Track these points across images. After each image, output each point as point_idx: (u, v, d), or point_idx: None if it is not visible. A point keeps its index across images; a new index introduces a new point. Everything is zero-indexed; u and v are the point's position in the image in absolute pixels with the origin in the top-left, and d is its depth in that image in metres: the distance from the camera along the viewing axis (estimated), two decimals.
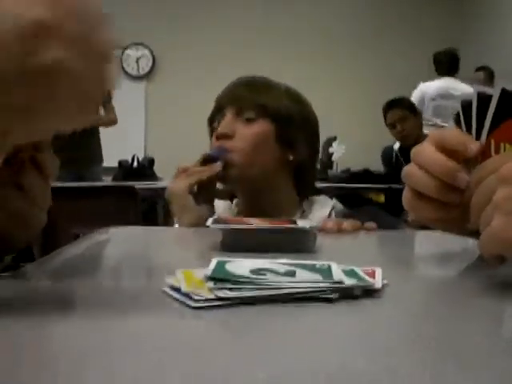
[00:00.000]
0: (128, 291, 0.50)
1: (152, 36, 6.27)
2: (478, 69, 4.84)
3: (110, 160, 4.06)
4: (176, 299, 0.40)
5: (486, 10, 5.75)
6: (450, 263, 0.62)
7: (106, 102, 3.92)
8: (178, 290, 0.41)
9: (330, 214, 1.09)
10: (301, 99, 1.17)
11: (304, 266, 0.46)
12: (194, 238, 0.84)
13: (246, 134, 1.08)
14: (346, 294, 0.41)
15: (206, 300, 0.39)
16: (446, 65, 4.52)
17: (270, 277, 0.43)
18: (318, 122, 1.18)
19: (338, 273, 0.44)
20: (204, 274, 0.42)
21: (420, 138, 3.71)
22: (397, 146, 3.98)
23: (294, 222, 0.68)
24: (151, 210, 3.58)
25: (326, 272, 0.44)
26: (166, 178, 4.21)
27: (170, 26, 6.21)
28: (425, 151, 0.54)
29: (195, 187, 1.06)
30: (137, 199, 3.31)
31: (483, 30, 5.71)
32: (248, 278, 0.42)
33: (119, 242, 0.81)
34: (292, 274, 0.44)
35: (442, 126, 3.91)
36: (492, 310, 0.42)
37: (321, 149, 2.42)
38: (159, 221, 3.30)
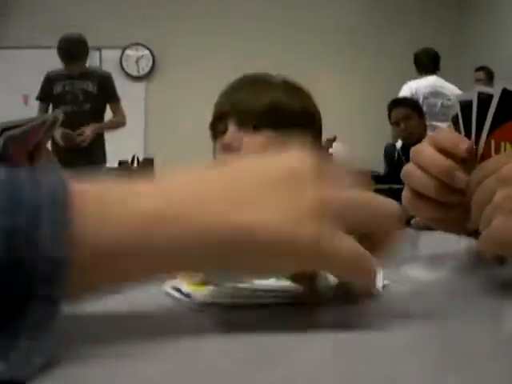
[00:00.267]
0: (128, 291, 0.50)
1: (152, 36, 6.27)
2: (478, 69, 4.86)
3: (110, 160, 4.06)
4: (177, 299, 0.40)
5: (485, 10, 5.76)
6: (450, 264, 0.62)
7: (115, 103, 3.93)
8: (178, 290, 0.41)
9: None
10: (303, 94, 1.16)
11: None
12: None
13: (252, 145, 1.08)
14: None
15: (206, 301, 0.39)
16: (428, 63, 4.55)
17: (271, 282, 0.42)
18: (320, 115, 1.17)
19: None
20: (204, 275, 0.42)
21: (423, 137, 3.69)
22: (399, 144, 3.98)
23: None
24: None
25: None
26: None
27: (170, 26, 6.22)
28: (424, 151, 0.54)
29: None
30: None
31: (483, 29, 5.71)
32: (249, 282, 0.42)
33: None
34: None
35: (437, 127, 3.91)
36: (493, 310, 0.41)
37: None
38: None
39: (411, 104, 3.85)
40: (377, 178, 3.98)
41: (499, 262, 0.47)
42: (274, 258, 0.33)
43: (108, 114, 3.97)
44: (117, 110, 3.94)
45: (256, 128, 1.09)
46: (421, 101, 4.32)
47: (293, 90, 1.16)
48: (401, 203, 0.59)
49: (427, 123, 3.94)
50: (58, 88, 3.82)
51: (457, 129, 0.56)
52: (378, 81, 5.92)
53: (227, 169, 0.36)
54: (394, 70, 4.99)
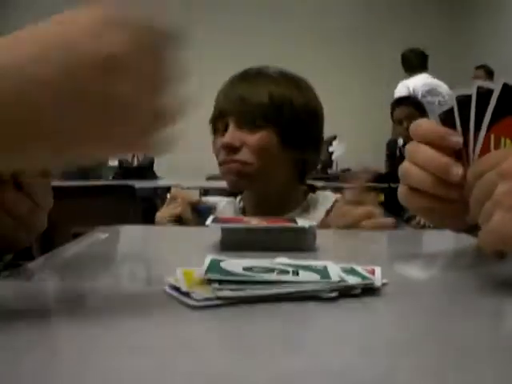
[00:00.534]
0: (128, 290, 0.50)
1: None
2: (478, 67, 4.87)
3: (109, 159, 4.05)
4: (176, 298, 0.40)
5: (484, 11, 5.75)
6: (449, 262, 0.62)
7: None
8: (177, 289, 0.41)
9: (330, 209, 1.09)
10: (305, 88, 1.14)
11: (303, 267, 0.46)
12: (194, 237, 0.84)
13: (253, 144, 1.07)
14: (346, 293, 0.41)
15: (206, 299, 0.39)
16: (417, 63, 4.58)
17: (270, 276, 0.42)
18: (322, 110, 1.16)
19: (335, 272, 0.44)
20: (202, 273, 0.42)
21: None
22: (401, 141, 3.97)
23: (294, 221, 0.68)
24: (151, 209, 3.57)
25: (324, 272, 0.44)
26: (166, 178, 4.21)
27: (169, 22, 6.20)
28: (419, 149, 0.55)
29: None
30: (136, 198, 3.30)
31: (481, 31, 5.71)
32: (247, 275, 0.42)
33: (118, 240, 0.81)
34: (295, 273, 0.44)
35: None
36: (492, 308, 0.42)
37: None
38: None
39: (414, 103, 3.84)
40: (377, 177, 3.98)
41: (499, 256, 0.47)
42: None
43: None
44: None
45: (257, 126, 1.08)
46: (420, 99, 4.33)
47: (294, 83, 1.13)
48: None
49: None
50: None
51: (445, 124, 0.56)
52: (377, 80, 5.92)
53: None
54: (393, 69, 4.99)
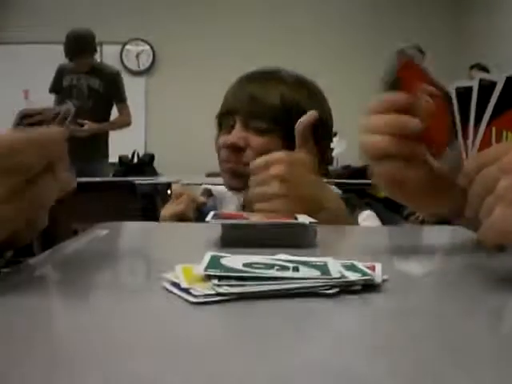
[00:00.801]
0: (128, 287, 0.50)
1: (152, 31, 6.26)
2: (472, 66, 4.87)
3: (110, 155, 4.06)
4: (175, 295, 0.40)
5: (484, 11, 5.74)
6: (449, 257, 0.62)
7: (121, 102, 3.91)
8: (177, 285, 0.41)
9: None
10: (316, 94, 1.11)
11: (303, 263, 0.46)
12: (194, 233, 0.83)
13: (260, 147, 1.04)
14: (347, 289, 0.41)
15: (206, 295, 0.39)
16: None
17: (270, 272, 0.42)
18: (332, 118, 1.13)
19: (336, 268, 0.44)
20: (202, 269, 0.42)
21: None
22: None
23: (295, 217, 0.68)
24: (151, 205, 3.58)
25: (324, 268, 0.44)
26: (166, 174, 4.21)
27: (170, 21, 6.20)
28: (372, 117, 0.55)
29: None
30: (136, 195, 3.30)
31: (482, 30, 5.70)
32: (247, 272, 0.42)
33: (119, 237, 0.81)
34: (295, 269, 0.44)
35: None
36: (493, 304, 0.41)
37: None
38: (159, 216, 3.29)
39: None
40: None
41: (499, 250, 0.47)
42: None
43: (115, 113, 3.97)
44: (122, 110, 3.93)
45: (265, 129, 1.04)
46: None
47: (306, 88, 1.09)
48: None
49: None
50: (66, 81, 3.81)
51: (386, 89, 0.57)
52: (377, 78, 5.90)
53: None
54: None
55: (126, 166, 3.93)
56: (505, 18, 5.28)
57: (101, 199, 3.00)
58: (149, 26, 6.23)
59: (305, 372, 0.28)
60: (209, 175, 3.96)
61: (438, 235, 0.78)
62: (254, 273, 0.42)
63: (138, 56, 6.46)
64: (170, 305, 0.39)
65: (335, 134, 4.31)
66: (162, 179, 4.00)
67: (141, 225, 0.96)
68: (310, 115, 0.93)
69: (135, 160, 4.07)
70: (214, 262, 0.44)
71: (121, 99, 3.91)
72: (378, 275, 0.44)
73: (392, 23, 6.21)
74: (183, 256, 0.46)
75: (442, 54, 5.83)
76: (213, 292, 0.39)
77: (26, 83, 5.88)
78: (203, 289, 0.39)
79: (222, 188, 1.17)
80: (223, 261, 0.45)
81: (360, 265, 0.45)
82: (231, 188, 1.10)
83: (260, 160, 0.89)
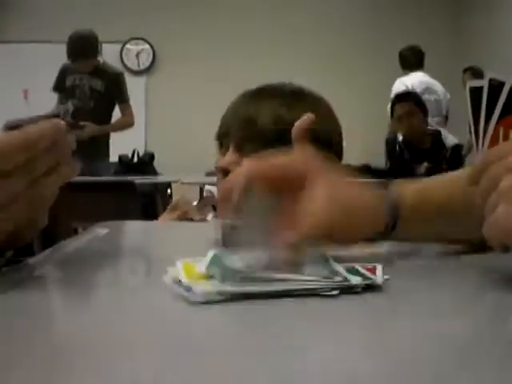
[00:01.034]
0: (128, 285, 0.50)
1: (152, 31, 6.26)
2: (465, 70, 4.88)
3: (110, 155, 4.05)
4: (176, 293, 0.40)
5: (484, 12, 5.74)
6: (451, 259, 0.62)
7: (123, 103, 3.91)
8: (178, 283, 0.41)
9: None
10: (323, 112, 1.04)
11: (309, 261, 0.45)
12: (195, 232, 0.83)
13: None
14: (346, 291, 0.41)
15: (207, 294, 0.38)
16: (414, 60, 4.62)
17: (272, 272, 0.42)
18: (341, 137, 1.08)
19: (339, 270, 0.44)
20: (204, 268, 0.42)
21: (425, 134, 3.69)
22: (400, 136, 3.96)
23: None
24: (151, 204, 3.58)
25: (330, 268, 0.44)
26: (166, 173, 4.21)
27: (170, 20, 6.20)
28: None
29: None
30: (136, 194, 3.30)
31: (481, 31, 5.70)
32: (249, 272, 0.42)
33: (119, 236, 0.81)
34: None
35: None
36: (493, 304, 0.41)
37: None
38: (159, 216, 3.30)
39: (415, 100, 3.81)
40: (377, 173, 3.98)
41: (504, 249, 0.47)
42: None
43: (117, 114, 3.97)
44: (124, 111, 3.93)
45: (258, 152, 1.00)
46: None
47: (310, 106, 1.00)
48: None
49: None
50: (69, 81, 3.81)
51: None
52: (376, 79, 5.91)
53: None
54: (392, 68, 5.01)
55: (126, 165, 3.93)
56: (505, 18, 5.29)
57: (101, 198, 3.00)
58: (149, 25, 6.23)
59: (306, 372, 0.28)
60: (208, 174, 3.96)
61: None
62: (255, 273, 0.42)
63: (138, 55, 6.46)
64: (171, 304, 0.39)
65: None
66: (162, 178, 4.00)
67: (141, 224, 0.96)
68: (304, 119, 0.90)
69: (135, 159, 4.07)
70: (216, 261, 0.44)
71: (123, 100, 3.91)
72: (379, 276, 0.44)
73: (392, 23, 6.21)
74: (183, 255, 0.46)
75: (441, 55, 5.84)
76: (213, 291, 0.39)
77: (25, 83, 5.88)
78: (203, 287, 0.39)
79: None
80: (225, 259, 0.45)
81: (361, 269, 0.45)
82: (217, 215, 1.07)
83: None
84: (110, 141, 4.02)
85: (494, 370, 0.28)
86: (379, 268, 0.46)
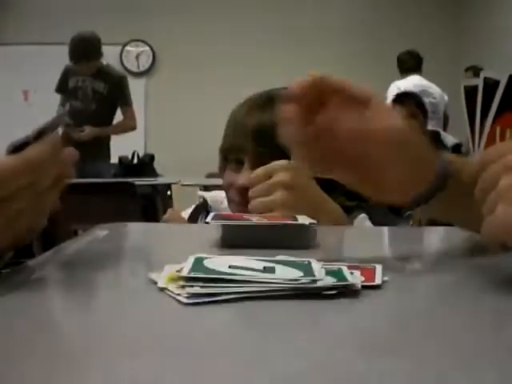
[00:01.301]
0: (128, 287, 0.50)
1: (152, 32, 6.26)
2: (467, 69, 4.89)
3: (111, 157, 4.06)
4: (169, 295, 0.40)
5: (484, 14, 5.75)
6: (451, 260, 0.62)
7: (126, 105, 3.91)
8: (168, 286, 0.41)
9: None
10: None
11: (284, 263, 0.45)
12: (194, 234, 0.83)
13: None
14: (318, 292, 0.40)
15: (196, 296, 0.39)
16: (412, 64, 4.66)
17: (246, 273, 0.42)
18: None
19: (318, 270, 0.43)
20: (184, 271, 0.42)
21: (425, 136, 3.67)
22: None
23: (294, 219, 0.68)
24: (151, 206, 3.57)
25: (306, 268, 0.44)
26: (166, 175, 4.21)
27: (170, 22, 6.20)
28: None
29: None
30: (136, 195, 3.30)
31: (482, 33, 5.71)
32: (225, 273, 0.42)
33: (119, 238, 0.81)
34: (271, 270, 0.43)
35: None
36: (493, 305, 0.41)
37: None
38: (159, 217, 3.30)
39: (416, 101, 3.80)
40: None
41: (502, 249, 0.47)
42: None
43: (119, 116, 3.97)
44: (126, 113, 3.93)
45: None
46: None
47: None
48: None
49: None
50: (72, 82, 3.81)
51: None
52: (377, 83, 5.91)
53: None
54: (392, 73, 5.03)
55: (126, 166, 3.93)
56: (505, 19, 5.29)
57: (101, 200, 3.00)
58: (149, 27, 6.23)
59: (303, 373, 0.28)
60: (209, 176, 3.96)
61: (437, 236, 0.78)
62: (226, 275, 0.41)
63: (137, 57, 6.46)
64: (170, 305, 0.39)
65: None
66: (161, 180, 4.00)
67: (141, 225, 0.96)
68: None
69: (135, 161, 4.07)
70: (198, 265, 0.44)
71: (125, 103, 3.91)
72: (378, 277, 0.44)
73: (392, 27, 6.21)
74: (183, 257, 0.46)
75: (441, 56, 5.84)
76: (183, 292, 0.39)
77: (25, 84, 5.88)
78: (175, 288, 0.40)
79: (219, 194, 1.14)
80: (206, 263, 0.45)
81: (345, 270, 0.44)
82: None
83: (261, 169, 0.86)
84: (111, 143, 4.02)
85: (494, 371, 0.28)
86: (379, 268, 0.46)
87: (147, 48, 6.43)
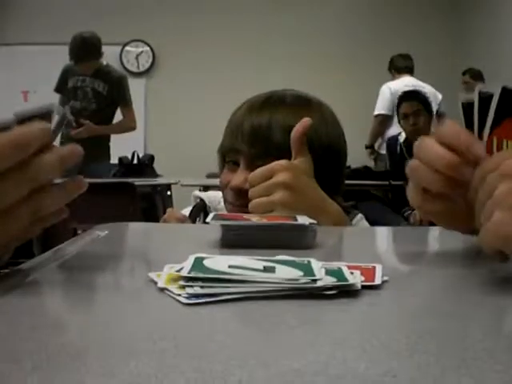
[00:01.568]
0: (128, 287, 0.50)
1: (152, 33, 6.26)
2: (464, 72, 4.91)
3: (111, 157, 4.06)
4: (169, 295, 0.40)
5: (484, 16, 5.75)
6: (451, 260, 0.62)
7: (125, 106, 3.91)
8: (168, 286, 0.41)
9: None
10: (330, 122, 1.02)
11: (284, 263, 0.45)
12: (194, 234, 0.83)
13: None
14: (319, 292, 0.40)
15: (196, 296, 0.38)
16: (402, 66, 4.75)
17: (246, 273, 0.42)
18: (346, 148, 1.06)
19: (318, 270, 0.43)
20: (184, 271, 0.42)
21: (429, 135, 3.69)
22: (402, 137, 3.96)
23: (294, 219, 0.68)
24: (151, 206, 3.58)
25: (306, 268, 0.44)
26: (166, 175, 4.21)
27: (170, 22, 6.21)
28: (428, 145, 0.53)
29: None
30: (136, 196, 3.30)
31: (482, 35, 5.71)
32: (225, 273, 0.42)
33: (118, 238, 0.81)
34: (271, 270, 0.43)
35: None
36: (493, 307, 0.41)
37: None
38: (159, 217, 3.30)
39: (423, 100, 3.81)
40: (377, 175, 3.98)
41: (500, 257, 0.47)
42: None
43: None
44: (126, 114, 3.93)
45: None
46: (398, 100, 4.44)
47: (318, 116, 0.98)
48: (402, 199, 0.59)
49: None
50: (71, 82, 3.82)
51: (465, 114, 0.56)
52: (378, 79, 5.91)
53: None
54: (383, 73, 5.05)
55: (126, 167, 3.93)
56: (505, 19, 5.29)
57: (101, 200, 3.00)
58: (148, 27, 6.23)
59: (302, 373, 0.27)
60: (209, 176, 3.96)
61: (437, 236, 0.78)
62: (224, 275, 0.41)
63: (137, 57, 6.46)
64: (166, 305, 0.39)
65: None
66: (161, 180, 4.00)
67: (141, 225, 0.96)
68: (304, 121, 0.89)
69: (135, 161, 4.07)
70: (197, 265, 0.44)
71: (125, 103, 3.91)
72: (377, 277, 0.44)
73: (390, 31, 6.21)
74: (183, 257, 0.46)
75: (441, 58, 5.85)
76: (183, 293, 0.39)
77: (25, 84, 5.88)
78: (175, 289, 0.40)
79: (216, 194, 1.14)
80: (206, 262, 0.44)
81: (345, 270, 0.44)
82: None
83: (261, 169, 0.86)
84: (111, 144, 4.02)
85: (494, 372, 0.28)
86: (379, 268, 0.46)
87: (147, 48, 6.43)
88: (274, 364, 0.29)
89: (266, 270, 0.43)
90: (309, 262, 0.45)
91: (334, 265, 0.45)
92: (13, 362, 0.28)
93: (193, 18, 6.24)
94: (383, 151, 4.40)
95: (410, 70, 4.76)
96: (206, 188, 3.23)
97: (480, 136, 0.54)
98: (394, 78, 4.78)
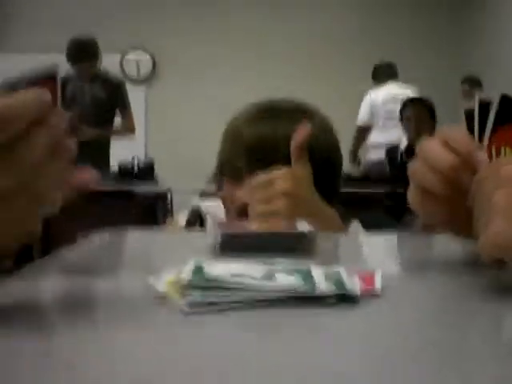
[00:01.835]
0: (127, 294, 0.50)
1: (152, 40, 6.28)
2: (463, 81, 4.92)
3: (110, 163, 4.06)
4: (170, 304, 0.40)
5: (484, 17, 5.76)
6: (450, 267, 0.62)
7: (125, 110, 3.92)
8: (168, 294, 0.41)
9: None
10: (328, 131, 1.01)
11: (284, 270, 0.45)
12: (193, 241, 0.83)
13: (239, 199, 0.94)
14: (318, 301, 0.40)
15: (196, 305, 0.38)
16: (386, 73, 4.75)
17: (246, 281, 0.42)
18: (342, 158, 1.05)
19: (318, 277, 0.43)
20: (184, 279, 0.42)
21: None
22: (403, 144, 3.96)
23: (294, 226, 0.68)
24: (151, 212, 3.57)
25: (306, 275, 0.43)
26: (166, 182, 4.21)
27: (170, 30, 6.23)
28: (431, 147, 0.53)
29: None
30: (136, 202, 3.30)
31: (482, 36, 5.72)
32: (225, 282, 0.42)
33: (118, 244, 0.81)
34: (271, 278, 0.43)
35: None
36: (493, 314, 0.41)
37: None
38: (158, 223, 3.30)
39: (429, 106, 3.83)
40: (376, 183, 3.98)
41: (499, 265, 0.47)
42: None
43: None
44: (125, 119, 3.94)
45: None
46: (378, 107, 4.46)
47: (318, 125, 0.96)
48: (404, 207, 0.59)
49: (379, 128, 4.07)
50: (68, 90, 3.83)
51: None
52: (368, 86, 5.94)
53: None
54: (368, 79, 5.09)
55: (126, 173, 3.93)
56: (505, 20, 5.30)
57: (101, 206, 3.00)
58: (149, 35, 6.25)
59: (305, 380, 0.28)
60: (209, 182, 3.96)
61: (440, 244, 0.78)
62: (227, 283, 0.41)
63: (138, 65, 6.48)
64: (166, 313, 0.39)
65: None
66: (161, 187, 4.00)
67: (140, 232, 0.96)
68: (303, 129, 0.88)
69: (135, 167, 4.08)
70: (198, 272, 0.44)
71: (124, 108, 3.92)
72: (377, 283, 0.44)
73: (389, 34, 6.23)
74: (183, 264, 0.46)
75: (440, 60, 5.86)
76: (182, 302, 0.39)
77: None
78: (175, 297, 0.39)
79: (215, 204, 1.12)
80: (206, 269, 0.44)
81: (344, 277, 0.44)
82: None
83: (261, 177, 0.85)
84: (111, 149, 4.03)
85: (493, 379, 0.28)
86: (378, 276, 0.46)
87: (147, 56, 6.45)
88: (274, 372, 0.29)
89: (265, 277, 0.43)
90: (309, 269, 0.45)
91: (334, 272, 0.45)
92: (13, 364, 0.28)
93: (193, 27, 6.26)
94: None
95: (392, 78, 4.77)
96: (205, 194, 3.23)
97: (480, 142, 0.55)
98: (377, 86, 4.81)
